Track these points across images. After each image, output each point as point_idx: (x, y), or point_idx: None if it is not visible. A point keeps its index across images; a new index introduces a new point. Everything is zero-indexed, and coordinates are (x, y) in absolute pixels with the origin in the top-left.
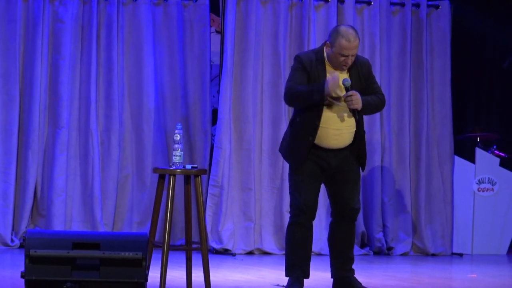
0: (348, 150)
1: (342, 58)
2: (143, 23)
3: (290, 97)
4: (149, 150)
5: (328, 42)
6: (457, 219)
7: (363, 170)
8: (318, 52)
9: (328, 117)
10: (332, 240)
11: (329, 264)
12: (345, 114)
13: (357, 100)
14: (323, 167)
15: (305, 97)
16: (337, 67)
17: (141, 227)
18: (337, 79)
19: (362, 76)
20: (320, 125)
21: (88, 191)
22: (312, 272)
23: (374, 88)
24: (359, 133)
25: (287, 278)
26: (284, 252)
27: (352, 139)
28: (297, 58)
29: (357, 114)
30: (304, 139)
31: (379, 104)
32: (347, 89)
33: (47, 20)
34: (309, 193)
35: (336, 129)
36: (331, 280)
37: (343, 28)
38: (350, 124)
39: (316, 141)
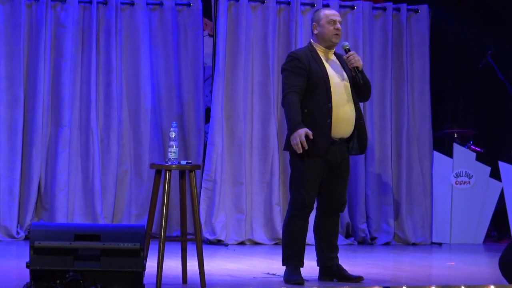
0: (348, 142)
1: (332, 26)
2: (140, 27)
3: (285, 105)
4: (146, 147)
5: (313, 24)
6: (436, 211)
7: (363, 152)
8: (308, 46)
9: (337, 103)
10: (319, 230)
11: (313, 253)
12: (348, 100)
13: (358, 58)
14: (328, 163)
15: (288, 120)
16: (331, 38)
17: (139, 220)
18: (303, 135)
19: (348, 67)
20: (333, 108)
21: (89, 186)
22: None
23: None
24: (362, 119)
25: (284, 267)
26: (274, 242)
27: (357, 128)
28: (293, 55)
29: (358, 74)
30: (323, 122)
31: (369, 82)
32: (346, 51)
33: (50, 24)
34: (314, 190)
35: (345, 113)
36: (317, 268)
37: (319, 8)
38: (353, 109)
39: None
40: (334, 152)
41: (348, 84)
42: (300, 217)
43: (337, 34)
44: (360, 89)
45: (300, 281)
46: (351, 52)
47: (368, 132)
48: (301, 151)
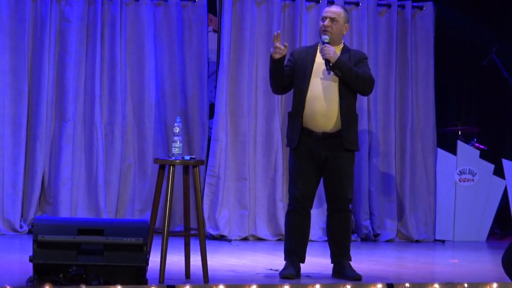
0: (338, 138)
1: (322, 22)
2: (145, 22)
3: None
4: (150, 142)
5: None
6: (439, 208)
7: (356, 149)
8: (313, 45)
9: (314, 95)
10: (329, 228)
11: (318, 249)
12: (330, 93)
13: (328, 50)
14: (315, 157)
15: (269, 66)
16: (320, 33)
17: (142, 215)
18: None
19: (351, 60)
20: (307, 100)
21: (93, 180)
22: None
23: (363, 69)
24: (348, 115)
25: (285, 261)
26: (277, 238)
27: (340, 124)
28: (292, 51)
29: (329, 65)
30: (297, 113)
31: (364, 76)
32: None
33: (54, 19)
34: (304, 184)
35: (322, 107)
36: (329, 264)
37: None
38: (335, 104)
39: (305, 123)
40: (317, 147)
41: (336, 82)
42: (295, 212)
43: (324, 30)
44: (346, 83)
45: (289, 275)
46: (324, 45)
47: (372, 128)
48: (277, 55)
